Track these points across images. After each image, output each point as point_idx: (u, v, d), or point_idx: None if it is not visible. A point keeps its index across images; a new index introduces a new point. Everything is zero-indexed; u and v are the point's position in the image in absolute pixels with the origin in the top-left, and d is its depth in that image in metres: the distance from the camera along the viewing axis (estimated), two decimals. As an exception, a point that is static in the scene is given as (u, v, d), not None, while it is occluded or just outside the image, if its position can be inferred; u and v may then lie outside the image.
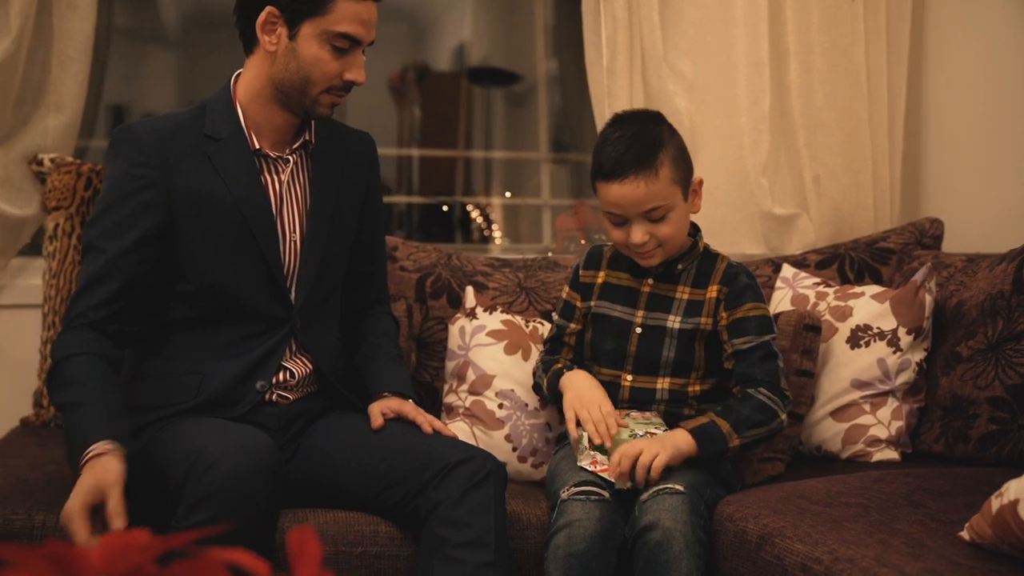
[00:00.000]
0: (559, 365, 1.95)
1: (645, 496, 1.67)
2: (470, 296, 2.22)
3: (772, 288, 2.34)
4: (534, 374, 2.02)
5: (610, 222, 1.85)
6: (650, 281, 1.93)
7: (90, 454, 1.49)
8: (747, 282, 1.90)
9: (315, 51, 1.70)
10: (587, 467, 1.76)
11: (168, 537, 0.71)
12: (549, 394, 1.94)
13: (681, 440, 1.74)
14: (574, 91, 3.46)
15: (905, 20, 2.71)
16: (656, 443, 1.72)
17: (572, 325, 2.00)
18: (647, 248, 1.83)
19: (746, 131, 2.64)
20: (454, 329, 2.15)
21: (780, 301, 2.28)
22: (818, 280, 2.29)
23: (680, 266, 1.91)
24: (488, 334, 2.11)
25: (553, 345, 2.02)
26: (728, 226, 2.68)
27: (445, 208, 4.93)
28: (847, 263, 2.41)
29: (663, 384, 1.89)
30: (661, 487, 1.66)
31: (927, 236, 2.42)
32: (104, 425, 1.54)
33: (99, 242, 1.68)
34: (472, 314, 2.16)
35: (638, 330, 1.90)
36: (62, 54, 2.35)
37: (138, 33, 5.14)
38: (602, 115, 2.60)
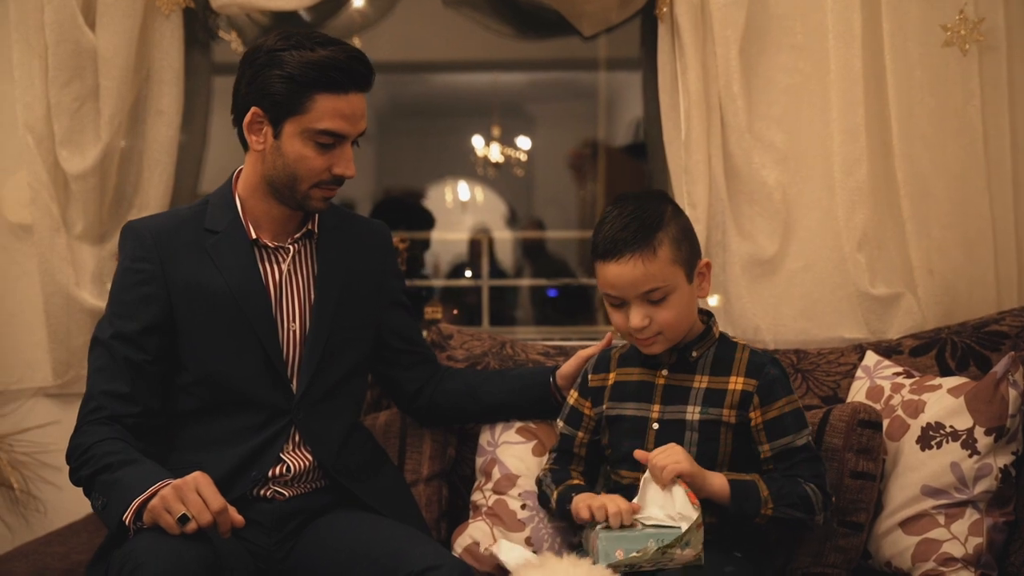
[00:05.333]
0: (573, 481, 1.82)
1: None
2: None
3: (852, 378, 2.10)
4: (539, 483, 1.90)
5: (609, 305, 1.75)
6: (664, 373, 1.78)
7: (158, 487, 1.52)
8: (775, 374, 1.74)
9: (299, 149, 1.72)
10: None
11: None
12: (558, 508, 1.81)
13: (716, 480, 1.66)
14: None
15: (1033, 72, 2.42)
16: (687, 462, 1.63)
17: (580, 434, 1.87)
18: (647, 334, 1.71)
19: (840, 204, 2.41)
20: (486, 423, 2.07)
21: (856, 393, 2.04)
22: (899, 370, 2.03)
23: (695, 353, 1.77)
24: (517, 431, 2.02)
25: (561, 456, 1.89)
26: (826, 308, 2.44)
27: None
28: (948, 349, 2.12)
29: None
30: None
31: (1050, 318, 2.10)
32: (164, 472, 1.57)
33: (103, 336, 1.75)
34: (504, 408, 2.07)
35: (655, 426, 1.75)
36: (151, 158, 2.51)
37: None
38: (680, 192, 2.47)
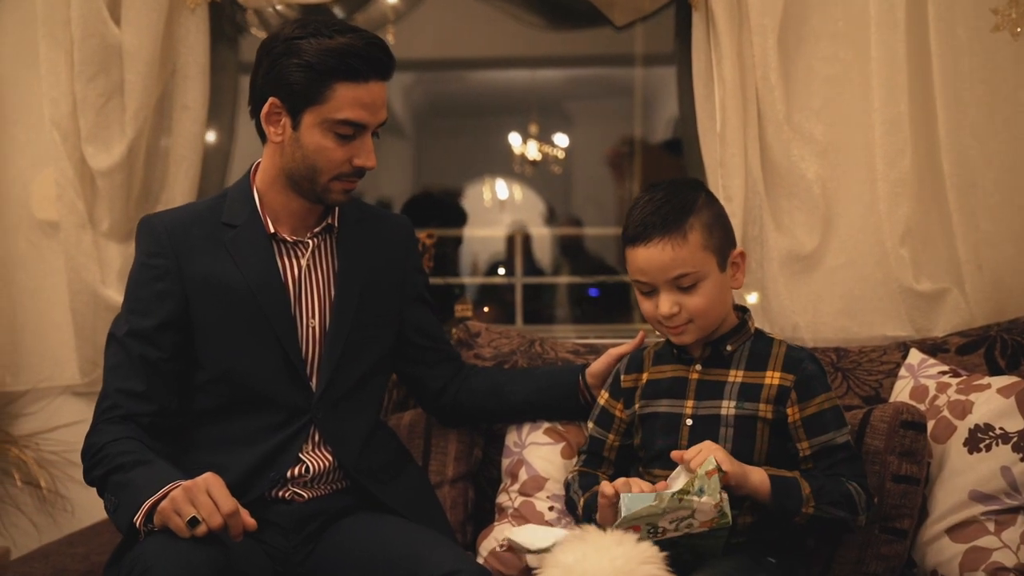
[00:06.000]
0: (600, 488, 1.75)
1: None
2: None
3: (895, 377, 2.01)
4: (567, 487, 1.83)
5: (639, 292, 1.70)
6: (698, 368, 1.72)
7: (168, 489, 1.47)
8: (813, 370, 1.68)
9: (318, 140, 1.67)
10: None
11: None
12: (584, 515, 1.74)
13: (756, 475, 1.58)
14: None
15: (1090, 56, 2.30)
16: (726, 459, 1.55)
17: (611, 436, 1.80)
18: (676, 322, 1.66)
19: (882, 197, 2.32)
20: (512, 423, 2.00)
21: (899, 393, 1.95)
22: (945, 369, 1.94)
23: (729, 347, 1.71)
24: (545, 432, 1.95)
25: (590, 459, 1.82)
26: (868, 305, 2.35)
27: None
28: (998, 347, 2.02)
29: None
30: None
31: (1106, 315, 2.00)
32: (176, 473, 1.52)
33: (118, 332, 1.71)
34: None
35: (689, 422, 1.69)
36: (177, 154, 2.49)
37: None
38: (716, 186, 2.39)
